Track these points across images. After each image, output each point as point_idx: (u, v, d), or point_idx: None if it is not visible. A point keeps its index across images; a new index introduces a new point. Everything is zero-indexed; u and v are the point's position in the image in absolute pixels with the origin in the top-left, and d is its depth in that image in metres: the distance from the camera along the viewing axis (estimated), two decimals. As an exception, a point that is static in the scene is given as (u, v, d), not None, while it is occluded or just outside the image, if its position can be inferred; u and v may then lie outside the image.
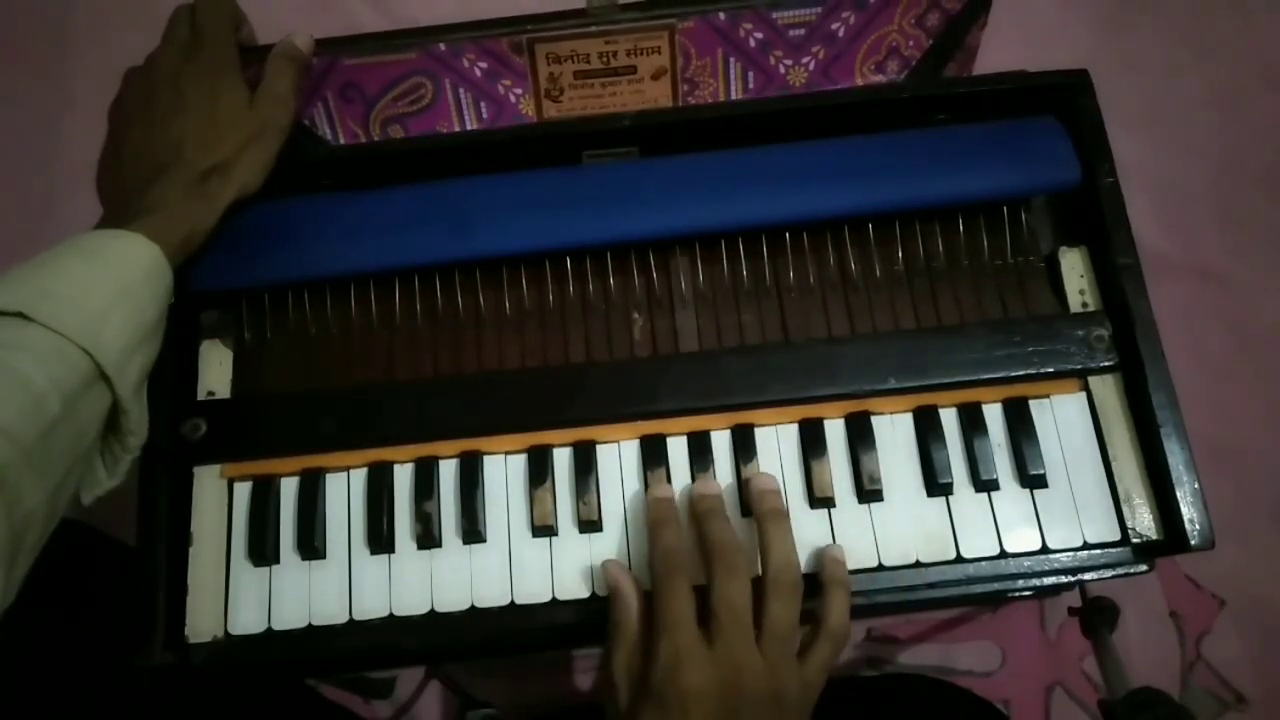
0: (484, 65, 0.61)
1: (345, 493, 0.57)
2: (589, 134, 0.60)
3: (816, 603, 0.51)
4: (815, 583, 0.53)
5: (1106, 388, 0.57)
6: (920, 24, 0.62)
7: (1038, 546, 0.54)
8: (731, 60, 0.62)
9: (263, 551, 0.55)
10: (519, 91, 0.62)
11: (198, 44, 0.56)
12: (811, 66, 0.63)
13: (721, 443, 0.57)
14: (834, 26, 0.61)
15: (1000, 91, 0.60)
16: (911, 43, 0.62)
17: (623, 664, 0.50)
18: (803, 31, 0.61)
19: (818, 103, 0.61)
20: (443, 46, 0.60)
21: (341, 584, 0.55)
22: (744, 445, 0.56)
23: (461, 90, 0.62)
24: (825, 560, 0.53)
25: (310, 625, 0.55)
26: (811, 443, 0.56)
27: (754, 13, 0.60)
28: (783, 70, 0.63)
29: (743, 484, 0.56)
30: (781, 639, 0.48)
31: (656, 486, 0.55)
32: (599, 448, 0.57)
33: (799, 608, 0.49)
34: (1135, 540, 0.54)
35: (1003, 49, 0.64)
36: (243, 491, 0.57)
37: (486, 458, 0.57)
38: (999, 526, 0.55)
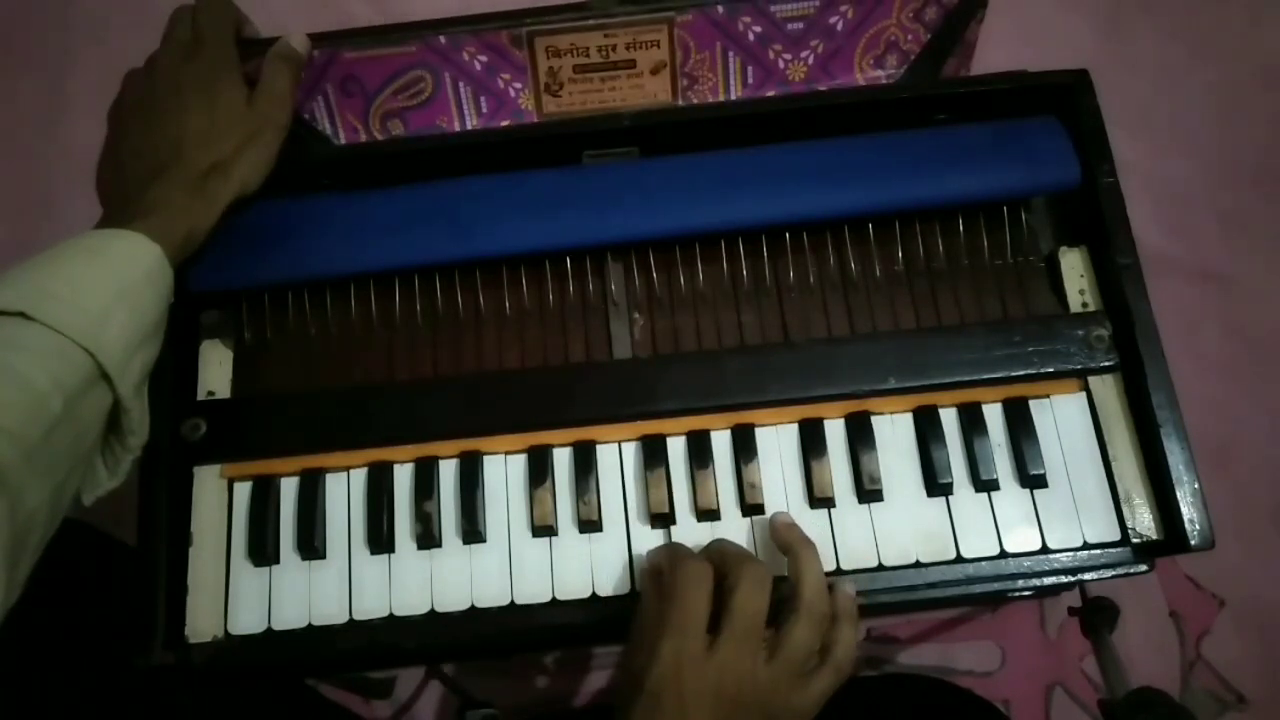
0: (484, 59, 0.61)
1: (345, 493, 0.57)
2: (589, 134, 0.60)
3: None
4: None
5: (1106, 388, 0.57)
6: (918, 18, 0.62)
7: (1038, 546, 0.54)
8: (730, 54, 0.62)
9: (263, 551, 0.55)
10: (518, 86, 0.62)
11: (197, 44, 0.56)
12: (810, 61, 0.63)
13: (721, 443, 0.57)
14: (832, 20, 0.61)
15: (1000, 91, 0.60)
16: (910, 37, 0.62)
17: (629, 655, 0.49)
18: (801, 25, 0.61)
19: (817, 102, 0.61)
20: (442, 39, 0.60)
21: (341, 584, 0.55)
22: (744, 445, 0.56)
23: (461, 84, 0.62)
24: (836, 594, 0.52)
25: (310, 625, 0.55)
26: (811, 443, 0.56)
27: (752, 6, 0.60)
28: (781, 65, 0.63)
29: (745, 485, 0.55)
30: (795, 662, 0.48)
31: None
32: (599, 448, 0.57)
33: (820, 637, 0.49)
34: (1135, 540, 0.54)
35: (1003, 49, 0.64)
36: (243, 491, 0.57)
37: (486, 458, 0.57)
38: (999, 526, 0.55)
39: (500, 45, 0.61)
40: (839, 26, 0.62)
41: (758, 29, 0.61)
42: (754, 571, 0.49)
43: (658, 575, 0.51)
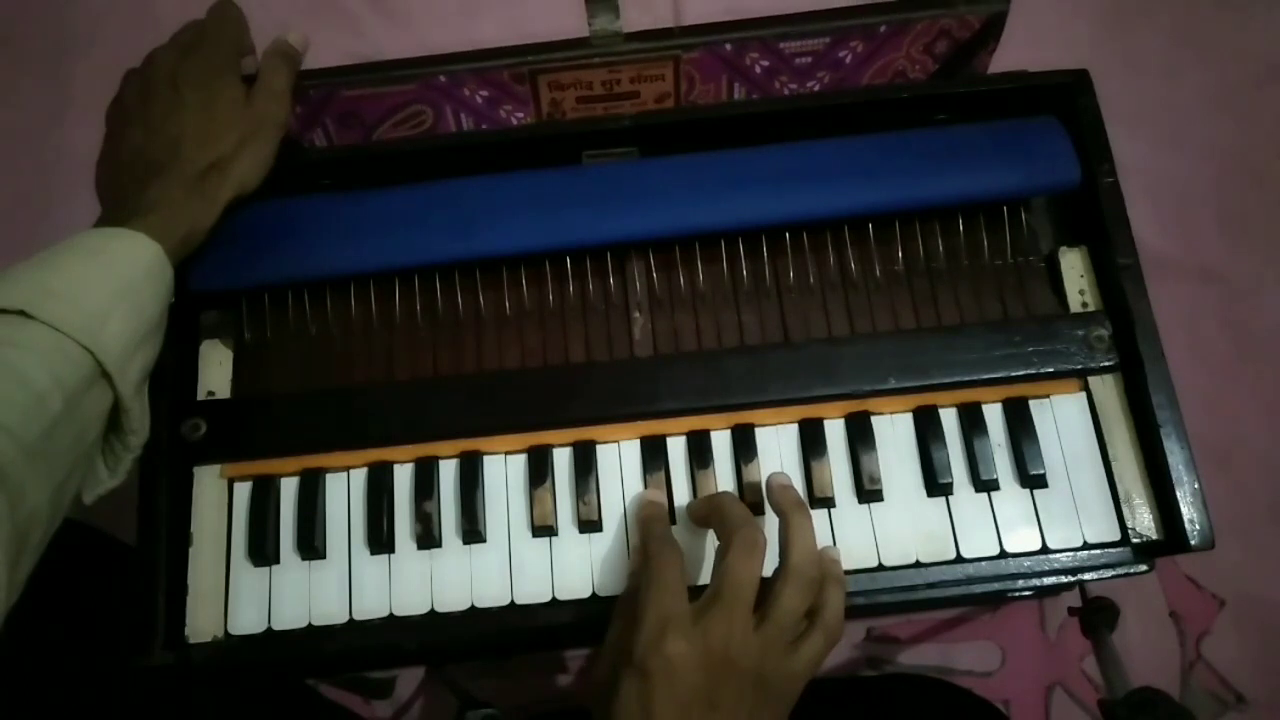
0: (485, 93, 0.60)
1: (345, 493, 0.57)
2: (589, 134, 0.60)
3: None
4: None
5: (1106, 388, 0.57)
6: (929, 51, 0.61)
7: (1038, 546, 0.54)
8: (736, 85, 0.61)
9: (263, 551, 0.55)
10: (520, 115, 0.61)
11: (197, 44, 0.56)
12: (815, 90, 0.62)
13: (721, 443, 0.57)
14: (841, 54, 0.61)
15: (1000, 91, 0.60)
16: (918, 67, 0.62)
17: (613, 634, 0.49)
18: (809, 59, 0.61)
19: (818, 103, 0.61)
20: (443, 79, 0.59)
21: (341, 584, 0.55)
22: (744, 445, 0.56)
23: (463, 115, 0.61)
24: (822, 559, 0.52)
25: (310, 625, 0.55)
26: (811, 443, 0.56)
27: (761, 43, 0.59)
28: (787, 94, 0.62)
29: (745, 485, 0.56)
30: (784, 628, 0.47)
31: (648, 492, 0.55)
32: (599, 448, 0.57)
33: (810, 603, 0.49)
34: (1135, 540, 0.54)
35: (1003, 49, 0.64)
36: (243, 491, 0.57)
37: (486, 458, 0.57)
38: (999, 526, 0.55)
39: (502, 82, 0.60)
40: (847, 60, 0.61)
41: (765, 63, 0.60)
42: (745, 536, 0.48)
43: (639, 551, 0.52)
